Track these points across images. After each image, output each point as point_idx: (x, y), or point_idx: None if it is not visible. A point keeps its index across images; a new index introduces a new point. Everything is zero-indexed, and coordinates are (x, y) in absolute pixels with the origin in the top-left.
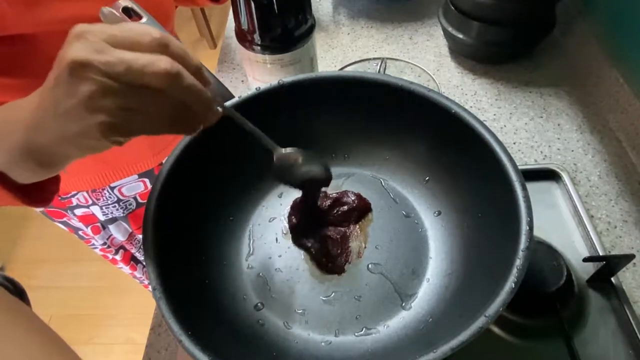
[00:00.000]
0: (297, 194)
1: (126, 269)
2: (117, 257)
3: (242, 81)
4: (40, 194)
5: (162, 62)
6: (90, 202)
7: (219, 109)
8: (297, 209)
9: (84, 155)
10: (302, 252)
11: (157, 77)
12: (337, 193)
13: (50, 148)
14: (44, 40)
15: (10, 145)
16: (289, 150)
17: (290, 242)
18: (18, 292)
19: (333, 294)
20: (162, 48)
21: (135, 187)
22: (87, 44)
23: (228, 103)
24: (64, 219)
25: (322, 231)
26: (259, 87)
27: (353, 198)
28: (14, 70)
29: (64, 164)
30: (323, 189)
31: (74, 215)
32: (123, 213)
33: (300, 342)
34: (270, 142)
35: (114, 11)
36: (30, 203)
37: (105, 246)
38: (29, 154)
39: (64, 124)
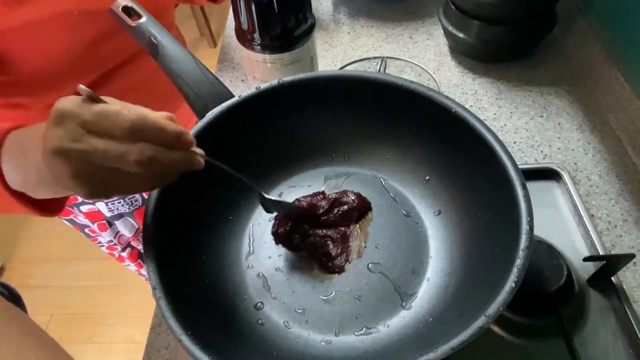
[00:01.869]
0: (297, 193)
1: (132, 267)
2: (124, 255)
3: (242, 80)
4: (53, 204)
5: (134, 155)
6: None
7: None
8: (280, 221)
9: None
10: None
11: (131, 167)
12: (336, 193)
13: (55, 184)
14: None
15: (25, 175)
16: (270, 197)
17: None
18: (13, 297)
19: (333, 293)
20: (136, 135)
21: None
22: (64, 132)
23: (227, 102)
24: (71, 216)
25: (322, 231)
26: (259, 87)
27: (353, 197)
28: (4, 68)
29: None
30: (322, 188)
31: (80, 211)
32: (129, 209)
33: (300, 342)
34: (254, 186)
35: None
36: (46, 214)
37: (112, 244)
38: (40, 185)
39: (58, 185)
